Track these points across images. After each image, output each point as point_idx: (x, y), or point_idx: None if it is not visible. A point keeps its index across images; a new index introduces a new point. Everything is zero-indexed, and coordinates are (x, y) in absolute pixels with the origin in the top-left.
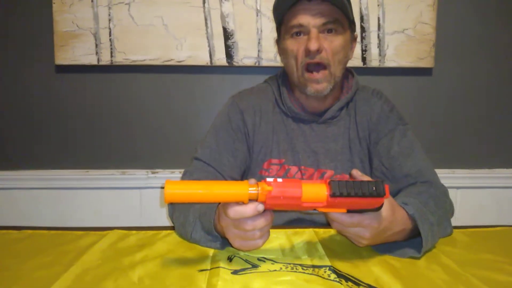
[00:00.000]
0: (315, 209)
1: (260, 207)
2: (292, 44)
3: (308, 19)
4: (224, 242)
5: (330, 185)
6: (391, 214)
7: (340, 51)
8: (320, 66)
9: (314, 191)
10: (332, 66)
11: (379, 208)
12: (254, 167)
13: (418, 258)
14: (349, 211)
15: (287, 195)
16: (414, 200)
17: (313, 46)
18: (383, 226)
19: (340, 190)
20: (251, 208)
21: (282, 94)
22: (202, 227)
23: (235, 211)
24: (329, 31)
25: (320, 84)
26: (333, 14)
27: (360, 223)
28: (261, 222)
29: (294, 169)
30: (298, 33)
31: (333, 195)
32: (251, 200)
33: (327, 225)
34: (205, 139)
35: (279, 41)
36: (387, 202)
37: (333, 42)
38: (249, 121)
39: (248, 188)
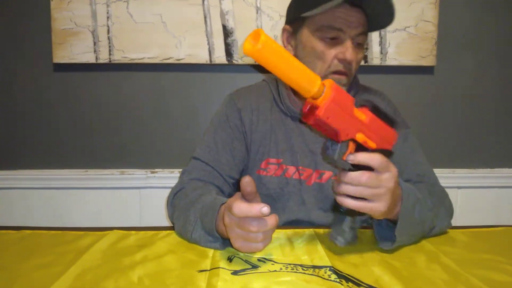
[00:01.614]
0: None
1: (265, 210)
2: (323, 47)
3: (349, 26)
4: (225, 243)
5: (370, 104)
6: (397, 175)
7: (359, 63)
8: (345, 74)
9: (358, 110)
10: (351, 76)
11: (390, 155)
12: (252, 166)
13: (391, 251)
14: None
15: (344, 97)
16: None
17: (352, 57)
18: (395, 190)
19: (378, 109)
20: (256, 209)
21: (281, 93)
22: (203, 227)
23: (240, 209)
24: (358, 44)
25: (340, 85)
26: (365, 25)
27: (387, 164)
28: (266, 224)
29: (292, 169)
30: (332, 38)
31: (373, 111)
32: (313, 99)
33: (327, 225)
34: (204, 138)
35: (296, 32)
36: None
37: (359, 55)
38: (247, 120)
39: (319, 82)
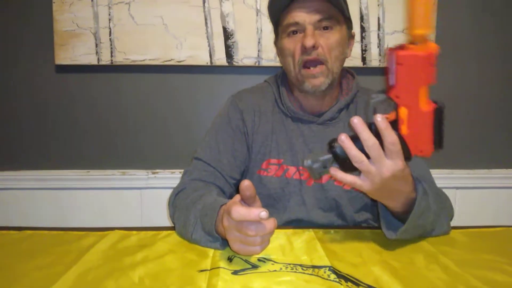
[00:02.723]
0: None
1: (264, 214)
2: (288, 43)
3: (303, 17)
4: (224, 243)
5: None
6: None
7: (336, 47)
8: (317, 62)
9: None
10: (329, 62)
11: (408, 158)
12: (253, 167)
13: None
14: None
15: (429, 69)
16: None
17: (309, 42)
18: (404, 178)
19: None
20: (255, 213)
21: (282, 94)
22: (203, 227)
23: (238, 213)
24: (325, 28)
25: (317, 78)
26: (328, 10)
27: (397, 155)
28: (264, 228)
29: (292, 169)
30: (294, 32)
31: (437, 111)
32: (411, 43)
33: (327, 225)
34: (205, 138)
35: (276, 42)
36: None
37: (329, 39)
38: (249, 121)
39: (429, 32)
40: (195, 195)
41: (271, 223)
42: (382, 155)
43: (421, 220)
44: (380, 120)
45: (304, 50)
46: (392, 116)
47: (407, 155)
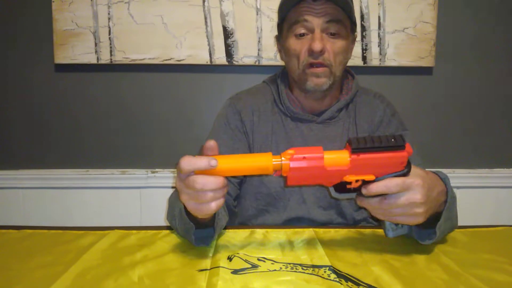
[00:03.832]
0: (348, 190)
1: (214, 162)
2: (295, 44)
3: (312, 16)
4: (202, 236)
5: (350, 141)
6: (423, 171)
7: (341, 53)
8: (322, 65)
9: (336, 153)
10: (334, 67)
11: (407, 172)
12: None
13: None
14: (377, 179)
15: (309, 157)
16: None
17: (317, 47)
18: (428, 183)
19: (360, 145)
20: (203, 161)
21: (281, 93)
22: (180, 217)
23: (187, 162)
24: (332, 34)
25: (319, 78)
26: (338, 14)
27: (405, 183)
28: (211, 181)
29: None
30: (301, 34)
31: (354, 149)
32: (275, 170)
33: (327, 224)
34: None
35: (280, 38)
36: (412, 166)
37: (335, 44)
38: (247, 121)
39: (271, 159)
40: None
41: (220, 179)
42: (402, 179)
43: (452, 211)
44: (366, 191)
45: (311, 53)
46: (353, 177)
47: (405, 173)
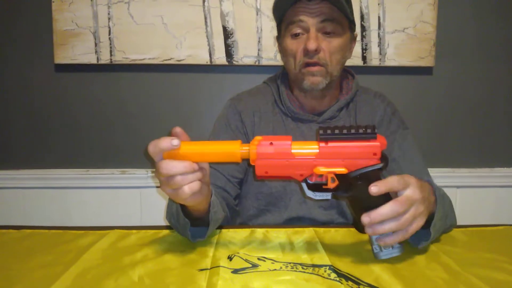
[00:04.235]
0: (323, 190)
1: (175, 141)
2: (291, 44)
3: (307, 16)
4: (198, 231)
5: (319, 129)
6: (415, 179)
7: (338, 52)
8: (318, 65)
9: (305, 142)
10: (330, 66)
11: (384, 166)
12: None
13: (428, 241)
14: (350, 174)
15: (277, 143)
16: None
17: (312, 46)
18: (417, 181)
19: (328, 132)
20: (166, 141)
21: (281, 94)
22: (177, 213)
23: (153, 144)
24: (328, 33)
25: (315, 77)
26: (332, 13)
27: (403, 179)
28: (176, 165)
29: None
30: (297, 34)
31: (322, 136)
32: (243, 159)
33: (327, 223)
34: None
35: (279, 39)
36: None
37: (331, 43)
38: (248, 121)
39: (239, 146)
40: None
41: (187, 163)
42: (407, 197)
43: (445, 207)
44: (377, 190)
45: (306, 52)
46: (329, 178)
47: (382, 167)
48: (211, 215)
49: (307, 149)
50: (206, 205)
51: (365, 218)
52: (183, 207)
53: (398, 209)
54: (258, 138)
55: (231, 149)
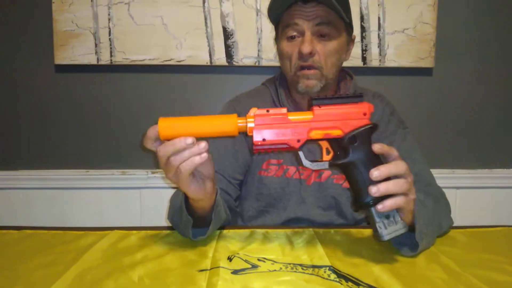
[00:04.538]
0: (319, 163)
1: (189, 139)
2: (287, 46)
3: (302, 19)
4: (197, 232)
5: (311, 98)
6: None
7: (333, 55)
8: (312, 68)
9: (299, 112)
10: (325, 69)
11: (375, 126)
12: (254, 168)
13: (415, 256)
14: (344, 137)
15: (273, 111)
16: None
17: (306, 49)
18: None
19: (321, 98)
20: (181, 139)
21: (280, 95)
22: (181, 210)
23: (145, 138)
24: (323, 36)
25: (310, 80)
26: (328, 16)
27: (407, 169)
28: (168, 144)
29: (292, 169)
30: (293, 37)
31: (315, 100)
32: (240, 132)
33: (327, 224)
34: None
35: (277, 41)
36: None
37: (326, 46)
38: None
39: (236, 119)
40: None
41: (176, 140)
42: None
43: (426, 212)
44: (378, 173)
45: (301, 55)
46: (324, 147)
47: (372, 129)
48: (214, 212)
49: (302, 115)
50: (210, 203)
51: (375, 172)
52: (187, 204)
53: (400, 167)
54: (254, 109)
55: (227, 122)
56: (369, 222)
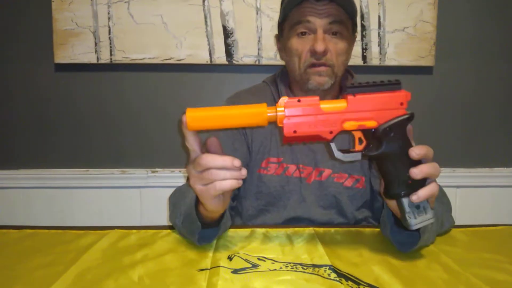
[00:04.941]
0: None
1: (236, 162)
2: (297, 43)
3: (315, 17)
4: (206, 235)
5: (345, 86)
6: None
7: (344, 53)
8: (324, 65)
9: (332, 100)
10: (336, 67)
11: (411, 116)
12: (253, 166)
13: (413, 251)
14: (379, 128)
15: (304, 100)
16: None
17: (320, 48)
18: None
19: (356, 86)
20: (227, 158)
21: (281, 93)
22: (187, 213)
23: (207, 158)
24: (334, 33)
25: (322, 77)
26: (340, 15)
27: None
28: (215, 158)
29: (292, 167)
30: (303, 33)
31: (349, 88)
32: (270, 122)
33: (327, 223)
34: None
35: (280, 38)
36: None
37: (338, 44)
38: None
39: (266, 108)
40: (185, 188)
41: (226, 157)
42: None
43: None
44: (418, 171)
45: (314, 53)
46: (356, 137)
47: (409, 119)
48: (222, 223)
49: (336, 103)
50: (221, 212)
51: (415, 170)
52: (196, 209)
53: (431, 152)
54: (284, 98)
55: (257, 112)
56: (399, 210)
